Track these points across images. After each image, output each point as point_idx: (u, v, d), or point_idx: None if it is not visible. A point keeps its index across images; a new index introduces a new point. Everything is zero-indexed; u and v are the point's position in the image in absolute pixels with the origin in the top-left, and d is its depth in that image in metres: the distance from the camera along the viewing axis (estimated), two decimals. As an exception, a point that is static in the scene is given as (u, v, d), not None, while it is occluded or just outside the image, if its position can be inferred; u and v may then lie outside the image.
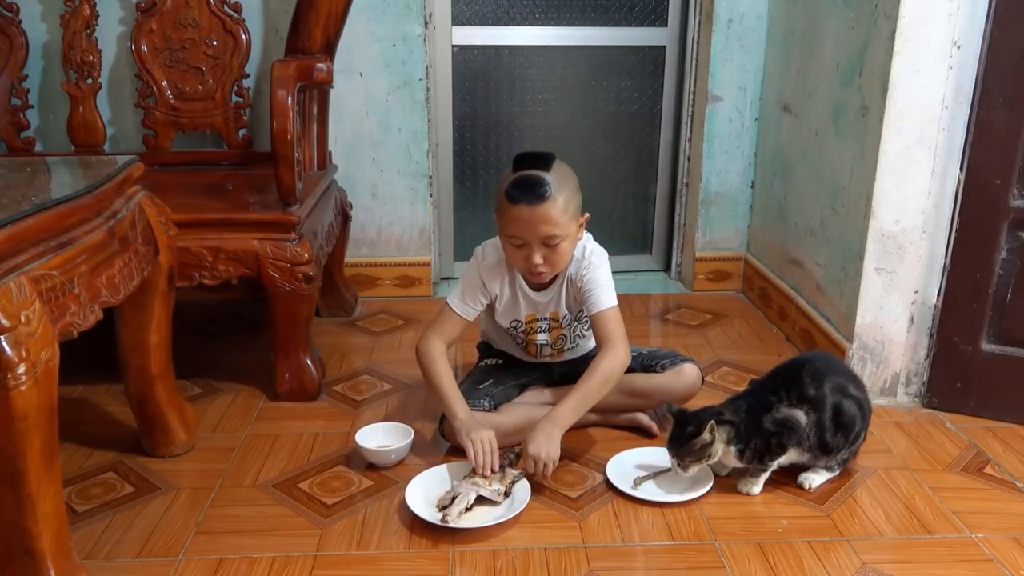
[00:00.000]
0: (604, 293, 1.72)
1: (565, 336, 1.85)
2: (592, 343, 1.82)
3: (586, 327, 1.84)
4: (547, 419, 1.65)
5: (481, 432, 1.64)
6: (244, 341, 2.44)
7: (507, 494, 1.59)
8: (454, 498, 1.54)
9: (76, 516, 1.57)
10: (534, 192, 1.60)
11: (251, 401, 2.04)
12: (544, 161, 1.66)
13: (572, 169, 1.71)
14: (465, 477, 1.61)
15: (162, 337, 1.70)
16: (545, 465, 1.60)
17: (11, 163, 1.70)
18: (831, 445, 1.62)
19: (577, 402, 1.66)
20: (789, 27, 2.46)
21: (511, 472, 1.63)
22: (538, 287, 1.79)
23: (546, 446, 1.60)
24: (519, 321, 1.83)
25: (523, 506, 1.57)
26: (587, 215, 1.73)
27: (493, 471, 1.61)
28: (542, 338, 1.85)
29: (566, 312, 1.81)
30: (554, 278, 1.78)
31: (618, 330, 1.71)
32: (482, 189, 2.90)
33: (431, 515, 1.53)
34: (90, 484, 1.68)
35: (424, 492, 1.61)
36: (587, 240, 1.78)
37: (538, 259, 1.65)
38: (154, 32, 2.35)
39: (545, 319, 1.82)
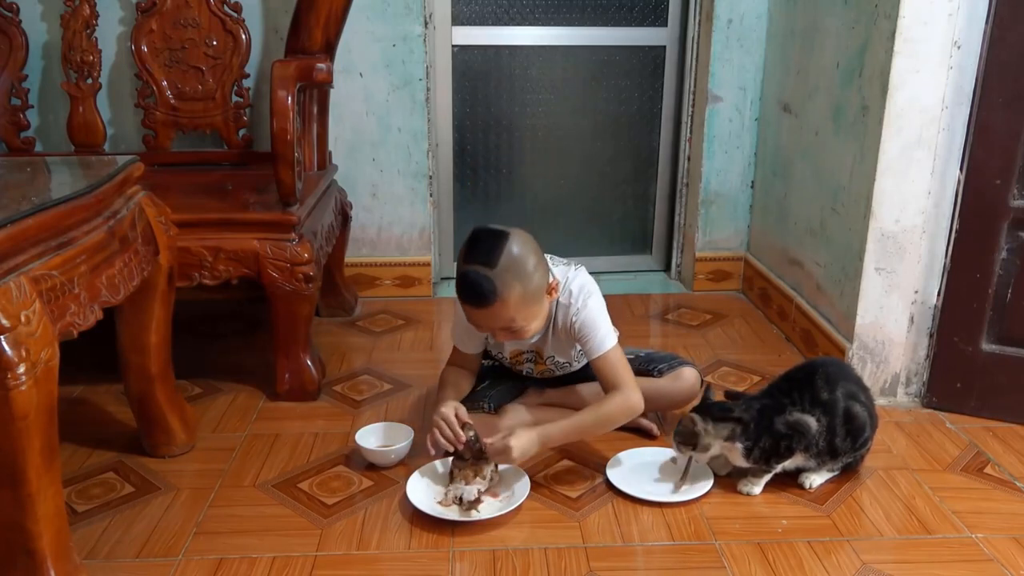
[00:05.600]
0: (601, 337, 1.64)
1: (552, 369, 1.84)
2: (585, 360, 1.75)
3: (576, 360, 1.81)
4: (537, 431, 1.61)
5: (439, 411, 1.63)
6: (244, 341, 2.44)
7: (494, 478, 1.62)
8: (461, 498, 1.55)
9: (76, 516, 1.57)
10: (478, 299, 1.52)
11: (251, 401, 2.04)
12: (490, 252, 1.51)
13: (530, 241, 1.57)
14: (452, 480, 1.60)
15: (162, 337, 1.70)
16: (507, 458, 1.57)
17: (11, 163, 1.70)
18: (840, 449, 1.62)
19: (569, 429, 1.65)
20: (789, 27, 2.46)
21: (485, 460, 1.61)
22: None
23: (519, 449, 1.57)
24: (503, 356, 1.84)
25: (526, 490, 1.59)
26: (555, 281, 1.63)
27: (460, 445, 1.60)
28: (527, 368, 1.85)
29: (551, 353, 1.78)
30: None
31: (625, 373, 1.65)
32: (482, 189, 2.90)
33: (452, 513, 1.54)
34: (90, 484, 1.68)
35: (425, 487, 1.62)
36: (572, 279, 1.68)
37: (502, 338, 1.63)
38: (154, 32, 2.35)
39: (531, 352, 1.81)
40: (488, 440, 1.59)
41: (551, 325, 1.71)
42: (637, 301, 2.77)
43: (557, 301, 1.67)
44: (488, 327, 1.60)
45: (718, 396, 1.69)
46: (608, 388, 1.65)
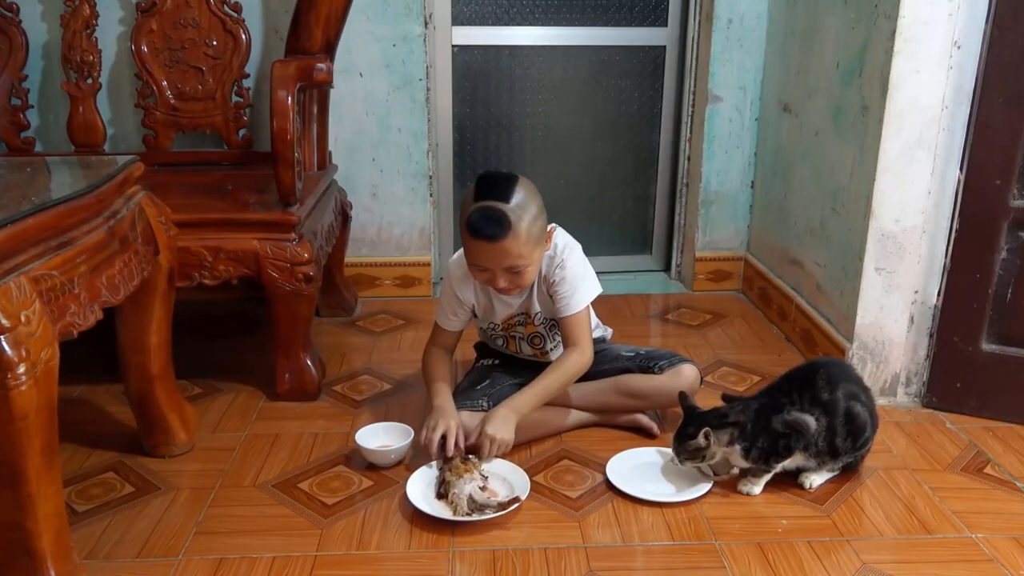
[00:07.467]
0: (573, 298, 1.74)
1: (542, 335, 1.86)
2: None
3: None
4: (505, 405, 1.70)
5: (437, 420, 1.68)
6: (244, 341, 2.44)
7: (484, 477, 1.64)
8: (471, 499, 1.56)
9: (76, 516, 1.57)
10: (493, 228, 1.58)
11: (251, 401, 2.04)
12: (504, 189, 1.61)
13: (535, 188, 1.68)
14: (447, 493, 1.58)
15: (162, 337, 1.71)
16: (497, 446, 1.65)
17: (11, 163, 1.70)
18: (840, 449, 1.62)
19: (537, 393, 1.73)
20: (789, 27, 2.46)
21: (471, 459, 1.64)
22: None
23: (502, 429, 1.66)
24: (495, 324, 1.86)
25: (526, 490, 1.59)
26: (552, 227, 1.74)
27: (447, 457, 1.64)
28: (519, 331, 1.86)
29: (538, 310, 1.82)
30: None
31: (585, 333, 1.77)
32: (482, 189, 2.90)
33: (453, 513, 1.55)
34: (90, 484, 1.68)
35: (425, 487, 1.62)
36: (557, 236, 1.77)
37: (503, 284, 1.67)
38: (154, 32, 2.35)
39: (521, 314, 1.84)
40: (476, 457, 1.65)
41: (536, 281, 1.77)
42: (637, 301, 2.77)
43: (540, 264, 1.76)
44: (495, 266, 1.64)
45: (707, 402, 1.69)
46: (567, 343, 1.78)
